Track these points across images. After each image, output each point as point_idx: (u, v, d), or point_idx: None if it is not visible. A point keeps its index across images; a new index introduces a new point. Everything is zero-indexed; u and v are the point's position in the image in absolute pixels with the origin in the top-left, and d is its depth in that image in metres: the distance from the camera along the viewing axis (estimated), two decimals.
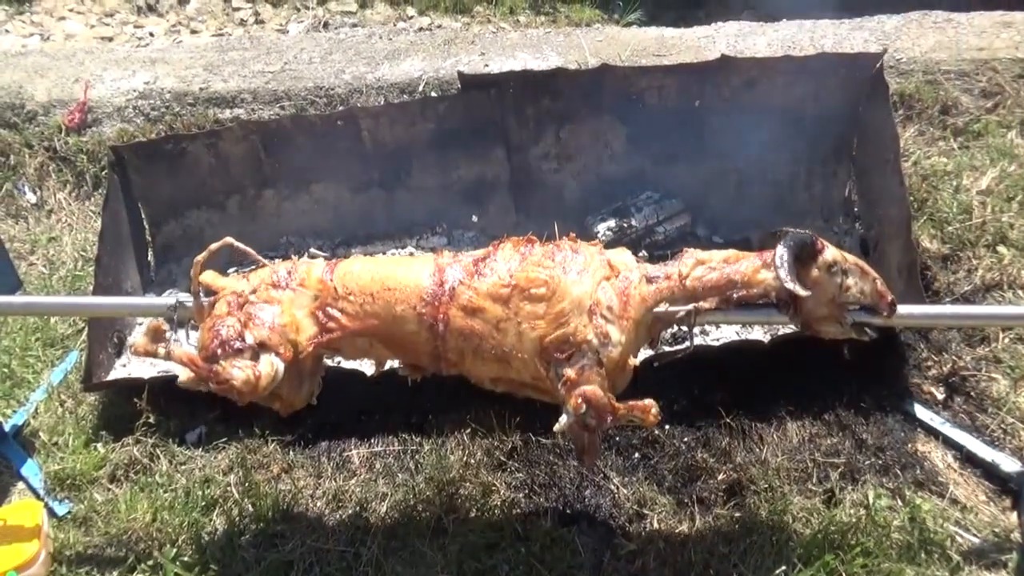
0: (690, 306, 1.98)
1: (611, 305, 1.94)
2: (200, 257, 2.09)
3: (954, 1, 4.20)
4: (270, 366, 1.98)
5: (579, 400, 1.90)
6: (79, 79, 4.01)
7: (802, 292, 1.90)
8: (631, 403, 1.96)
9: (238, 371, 1.94)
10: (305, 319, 2.05)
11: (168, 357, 2.06)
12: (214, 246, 2.10)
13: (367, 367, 2.60)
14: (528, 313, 1.96)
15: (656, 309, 2.00)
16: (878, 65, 3.10)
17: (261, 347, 1.99)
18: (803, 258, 1.94)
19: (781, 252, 1.91)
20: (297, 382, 2.13)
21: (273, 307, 2.03)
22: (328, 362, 2.49)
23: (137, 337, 2.05)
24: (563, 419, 1.96)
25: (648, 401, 1.98)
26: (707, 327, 3.02)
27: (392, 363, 2.22)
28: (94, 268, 2.97)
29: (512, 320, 1.96)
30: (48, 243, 3.61)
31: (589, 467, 2.48)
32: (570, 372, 1.92)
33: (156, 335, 2.08)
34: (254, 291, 2.07)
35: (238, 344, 1.97)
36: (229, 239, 2.13)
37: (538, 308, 1.95)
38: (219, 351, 1.97)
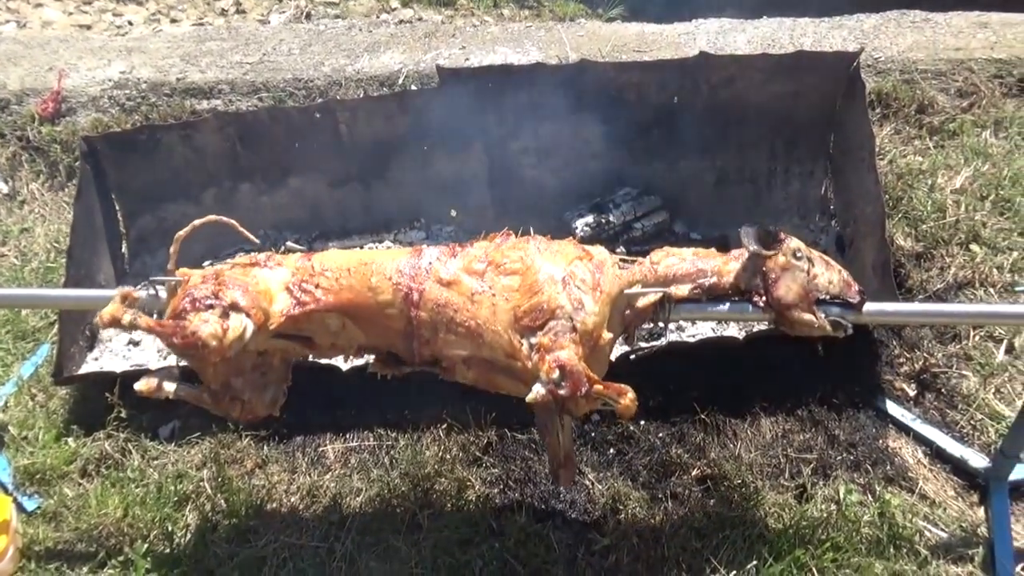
0: (662, 290, 2.01)
1: (584, 278, 1.96)
2: (182, 233, 2.07)
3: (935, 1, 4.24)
4: (239, 323, 1.92)
5: (552, 365, 1.87)
6: (53, 68, 3.96)
7: (766, 252, 1.96)
8: (607, 382, 1.95)
9: (205, 325, 1.88)
10: (280, 293, 2.03)
11: (133, 324, 1.99)
12: (198, 222, 2.09)
13: (341, 363, 2.58)
14: (503, 287, 1.97)
15: (629, 291, 2.02)
16: (855, 64, 3.12)
17: (232, 308, 1.93)
18: (767, 243, 2.00)
19: (746, 230, 1.99)
20: (261, 385, 2.11)
21: (248, 278, 2.01)
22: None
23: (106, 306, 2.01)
24: (536, 388, 1.90)
25: (624, 385, 1.96)
26: (682, 324, 3.03)
27: (365, 359, 2.20)
28: (66, 260, 2.94)
29: (487, 293, 1.97)
30: (20, 234, 3.56)
31: (566, 485, 2.45)
32: (543, 339, 1.90)
33: (125, 299, 2.03)
34: (232, 268, 2.05)
35: (209, 301, 1.93)
36: (214, 216, 2.11)
37: (512, 281, 1.97)
38: (188, 307, 1.92)
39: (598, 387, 1.91)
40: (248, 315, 1.94)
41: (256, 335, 1.96)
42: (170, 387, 2.08)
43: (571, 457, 2.14)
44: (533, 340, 1.92)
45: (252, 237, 2.19)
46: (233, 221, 2.16)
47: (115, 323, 2.00)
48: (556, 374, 1.86)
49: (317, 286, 2.02)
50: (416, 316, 1.98)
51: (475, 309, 1.96)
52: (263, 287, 2.01)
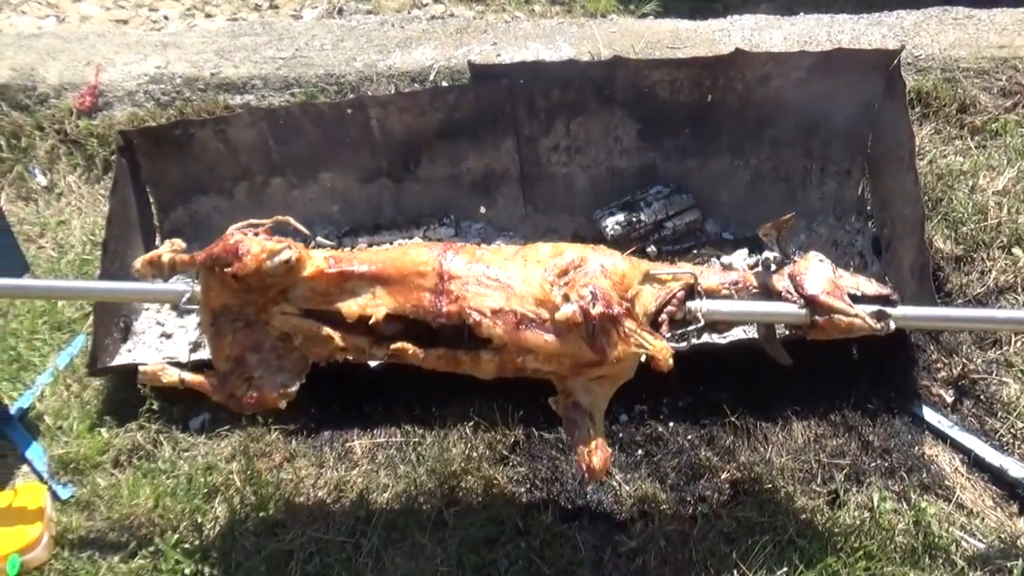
0: (690, 271, 2.10)
1: (612, 253, 2.07)
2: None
3: None
4: (282, 247, 1.96)
5: (583, 286, 1.93)
6: (91, 62, 4.01)
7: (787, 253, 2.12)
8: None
9: (247, 240, 1.94)
10: (319, 260, 2.06)
11: (172, 263, 2.06)
12: (266, 222, 2.12)
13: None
14: (535, 256, 2.06)
15: (656, 271, 2.10)
16: (895, 62, 3.05)
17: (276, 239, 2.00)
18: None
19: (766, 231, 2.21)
20: (275, 368, 2.08)
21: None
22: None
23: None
24: (566, 307, 1.92)
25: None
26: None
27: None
28: (101, 253, 2.98)
29: (519, 259, 2.05)
30: (57, 226, 3.61)
31: (596, 479, 2.41)
32: (574, 276, 1.97)
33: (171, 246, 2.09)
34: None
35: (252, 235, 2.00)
36: (279, 217, 2.15)
37: (544, 252, 2.06)
38: (233, 232, 1.99)
39: (630, 322, 1.93)
40: (291, 247, 1.97)
41: (292, 275, 1.98)
42: (174, 372, 2.15)
43: (603, 446, 2.10)
44: (563, 284, 1.98)
45: (304, 230, 2.21)
46: (289, 218, 2.18)
47: (153, 264, 2.06)
48: (587, 293, 1.91)
49: (354, 258, 2.07)
50: (448, 271, 2.01)
51: (507, 265, 2.03)
52: (302, 249, 2.05)
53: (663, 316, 2.08)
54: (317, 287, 2.06)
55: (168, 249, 2.10)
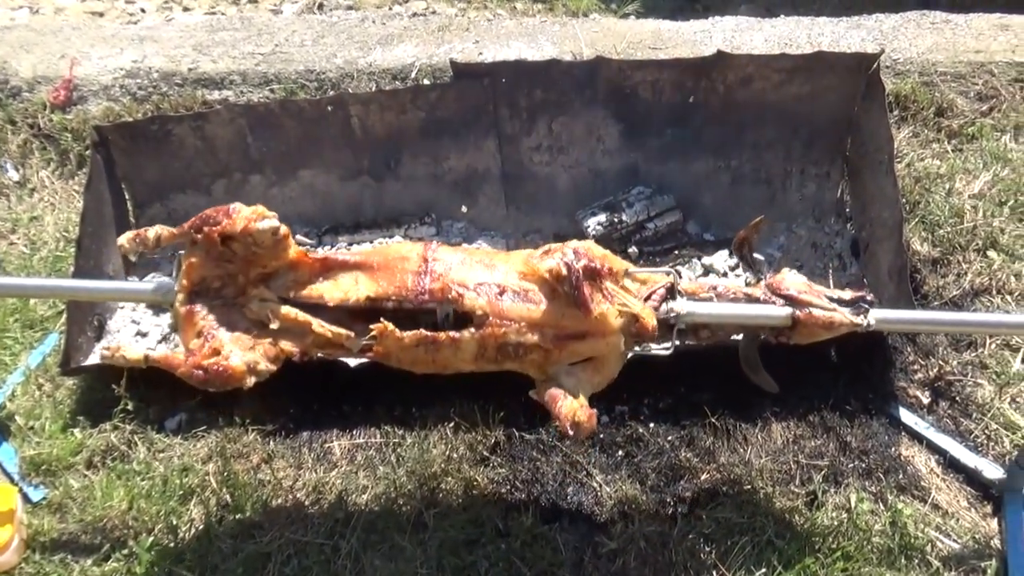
0: (670, 268, 2.17)
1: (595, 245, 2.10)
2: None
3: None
4: (275, 217, 2.00)
5: (567, 249, 1.99)
6: (65, 55, 3.93)
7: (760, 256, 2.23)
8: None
9: (239, 205, 1.97)
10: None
11: (158, 239, 2.06)
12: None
13: (349, 360, 2.56)
14: (518, 252, 2.14)
15: (635, 269, 2.14)
16: (875, 65, 3.07)
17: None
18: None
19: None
20: (248, 346, 2.03)
21: None
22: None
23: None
24: (549, 261, 1.98)
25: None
26: None
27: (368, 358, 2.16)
28: (75, 250, 2.92)
29: (502, 254, 2.16)
30: (30, 222, 3.54)
31: (583, 435, 2.32)
32: (558, 249, 2.01)
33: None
34: None
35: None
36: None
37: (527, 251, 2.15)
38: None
39: (612, 283, 1.99)
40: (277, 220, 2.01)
41: (277, 251, 2.01)
42: (138, 349, 2.15)
43: (587, 406, 2.08)
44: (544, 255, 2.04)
45: (307, 241, 2.24)
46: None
47: (139, 238, 2.06)
48: (570, 251, 1.97)
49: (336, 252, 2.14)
50: (432, 255, 2.05)
51: (492, 253, 2.15)
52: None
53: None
54: (299, 276, 2.06)
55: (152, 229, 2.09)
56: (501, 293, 2.00)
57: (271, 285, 2.06)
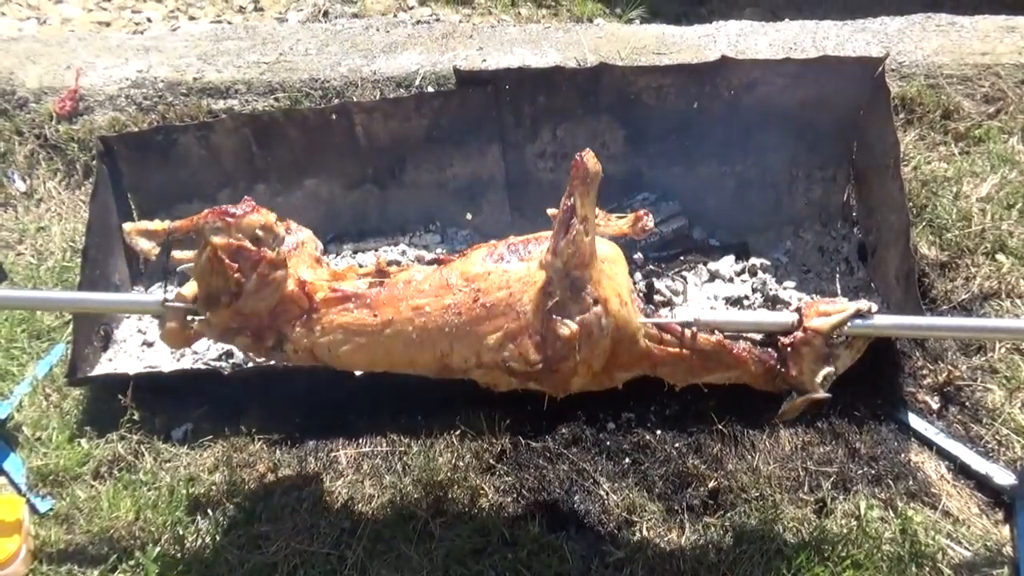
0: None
1: None
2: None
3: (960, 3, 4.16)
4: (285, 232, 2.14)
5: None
6: (71, 66, 3.95)
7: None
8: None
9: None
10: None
11: (167, 231, 2.09)
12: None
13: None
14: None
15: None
16: (880, 69, 3.06)
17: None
18: None
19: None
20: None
21: None
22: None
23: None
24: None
25: None
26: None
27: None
28: (81, 260, 2.93)
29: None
30: (37, 233, 3.56)
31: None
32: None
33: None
34: None
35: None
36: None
37: None
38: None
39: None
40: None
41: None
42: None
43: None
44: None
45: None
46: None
47: (147, 229, 2.08)
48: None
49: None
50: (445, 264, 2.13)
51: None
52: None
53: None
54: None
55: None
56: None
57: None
